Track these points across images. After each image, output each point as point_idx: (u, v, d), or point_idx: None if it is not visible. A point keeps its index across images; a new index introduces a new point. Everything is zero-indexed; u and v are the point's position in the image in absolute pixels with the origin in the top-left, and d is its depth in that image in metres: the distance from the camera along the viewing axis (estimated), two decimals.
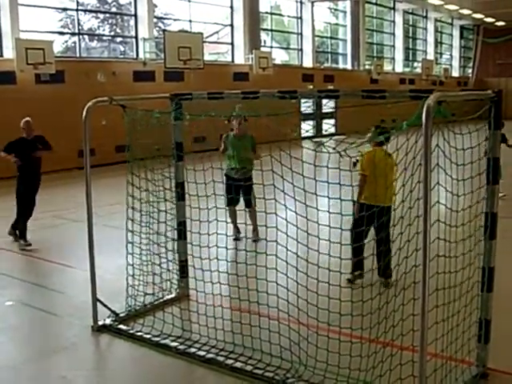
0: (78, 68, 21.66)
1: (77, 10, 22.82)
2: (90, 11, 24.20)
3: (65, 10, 22.96)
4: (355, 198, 7.79)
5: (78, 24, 23.08)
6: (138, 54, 24.65)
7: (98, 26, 24.96)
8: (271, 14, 32.94)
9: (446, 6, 42.38)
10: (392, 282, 7.37)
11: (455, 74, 53.51)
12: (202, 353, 6.27)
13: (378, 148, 8.10)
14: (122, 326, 7.00)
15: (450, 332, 5.50)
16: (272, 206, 6.44)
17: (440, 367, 5.32)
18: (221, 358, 6.13)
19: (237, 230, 10.36)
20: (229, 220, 6.77)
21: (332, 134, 29.77)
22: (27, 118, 10.76)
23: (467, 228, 5.73)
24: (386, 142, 7.86)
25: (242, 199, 10.13)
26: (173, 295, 7.80)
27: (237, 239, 10.15)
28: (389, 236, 7.03)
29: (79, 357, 6.50)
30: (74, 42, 23.23)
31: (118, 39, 25.89)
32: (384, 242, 7.13)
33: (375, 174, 7.79)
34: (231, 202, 9.99)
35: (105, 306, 7.14)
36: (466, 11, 44.11)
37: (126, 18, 25.37)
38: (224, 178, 8.98)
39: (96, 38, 25.01)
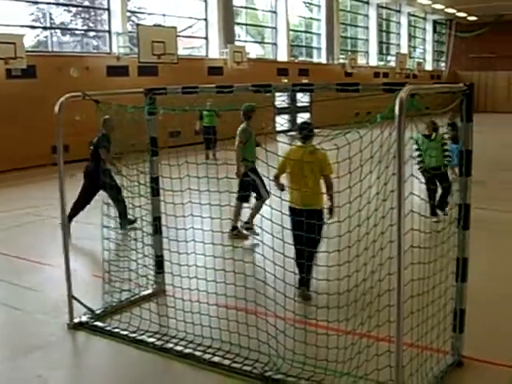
0: (51, 63, 21.43)
1: (48, 3, 22.59)
2: (62, 5, 23.93)
3: (36, 3, 22.62)
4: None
5: (50, 18, 22.85)
6: (111, 49, 24.47)
7: (71, 20, 24.70)
8: (245, 8, 32.89)
9: (419, 1, 42.71)
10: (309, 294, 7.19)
11: (428, 67, 53.89)
12: (179, 348, 6.26)
13: (295, 146, 7.52)
14: (98, 323, 6.96)
15: (425, 322, 5.56)
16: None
17: (416, 357, 5.37)
18: (198, 353, 6.12)
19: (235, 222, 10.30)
20: (206, 215, 6.75)
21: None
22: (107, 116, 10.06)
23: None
24: (307, 140, 7.35)
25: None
26: (149, 291, 7.77)
27: (250, 228, 10.14)
28: (316, 245, 6.95)
29: (55, 355, 6.44)
30: (46, 37, 22.98)
31: (91, 33, 25.65)
32: (309, 255, 6.75)
33: (295, 174, 7.28)
34: (246, 199, 10.04)
35: (81, 303, 7.09)
36: (438, 6, 44.46)
37: (98, 11, 25.15)
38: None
39: (68, 32, 24.76)
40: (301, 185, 7.13)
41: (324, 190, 7.34)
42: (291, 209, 7.22)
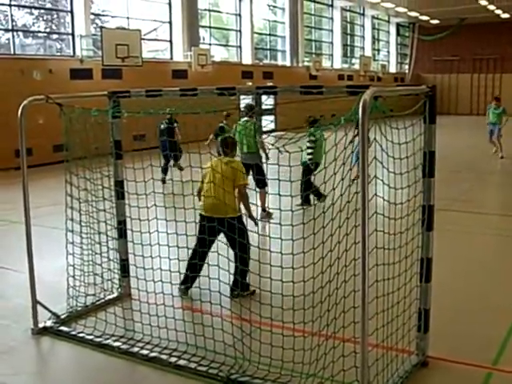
0: (13, 65, 21.16)
1: (10, 5, 22.26)
2: (24, 7, 23.65)
3: None
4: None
5: (12, 20, 22.55)
6: (74, 52, 24.23)
7: (33, 23, 24.43)
8: (210, 10, 32.83)
9: (383, 4, 43.06)
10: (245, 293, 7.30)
11: (392, 70, 54.41)
12: (145, 351, 6.23)
13: (217, 158, 7.68)
14: (63, 328, 6.89)
15: (390, 323, 5.61)
16: None
17: (381, 357, 5.42)
18: (164, 356, 6.10)
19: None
20: (170, 218, 6.73)
21: (272, 131, 29.95)
22: None
23: (405, 221, 5.84)
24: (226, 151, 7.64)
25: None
26: (115, 295, 7.72)
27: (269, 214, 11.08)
28: (244, 250, 7.07)
29: (19, 361, 6.36)
30: (8, 39, 22.67)
31: (54, 36, 25.40)
32: (238, 257, 6.89)
33: (211, 184, 7.35)
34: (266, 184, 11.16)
35: (45, 308, 7.01)
36: (401, 9, 44.92)
37: (61, 14, 24.90)
38: None
39: (31, 34, 24.48)
40: (216, 194, 7.26)
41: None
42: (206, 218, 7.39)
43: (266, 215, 11.13)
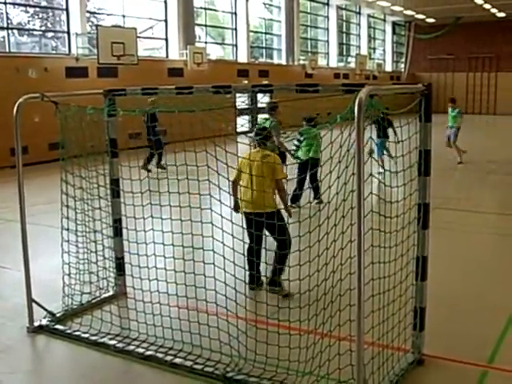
0: (8, 63, 21.10)
1: (5, 3, 22.19)
2: (19, 5, 23.58)
3: None
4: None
5: (7, 18, 22.49)
6: (70, 50, 24.17)
7: (29, 21, 24.37)
8: (206, 9, 32.80)
9: (379, 3, 43.08)
10: (283, 290, 7.38)
11: (388, 68, 54.44)
12: (140, 350, 6.23)
13: (254, 150, 7.66)
14: (58, 326, 6.88)
15: (386, 321, 5.62)
16: (207, 201, 6.42)
17: (377, 355, 5.43)
18: (160, 355, 6.10)
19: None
20: (166, 216, 6.72)
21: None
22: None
23: (401, 219, 5.85)
24: (263, 143, 7.65)
25: None
26: (110, 293, 7.71)
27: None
28: (283, 244, 7.19)
29: (15, 359, 6.35)
30: (3, 37, 22.60)
31: (50, 34, 25.34)
32: (277, 251, 7.12)
33: (250, 179, 7.30)
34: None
35: (41, 306, 7.01)
36: (397, 8, 44.94)
37: (57, 12, 24.84)
38: None
39: (26, 32, 24.42)
40: (255, 188, 7.26)
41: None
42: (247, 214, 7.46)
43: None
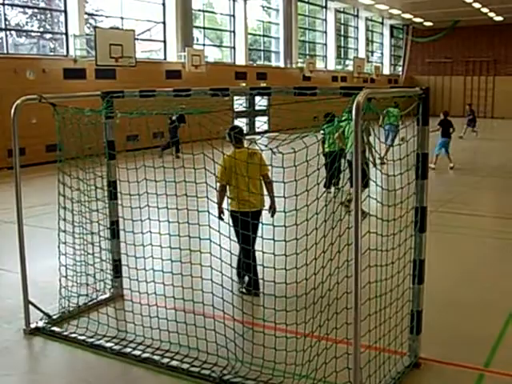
0: (6, 65, 21.09)
1: (3, 4, 22.18)
2: (18, 6, 23.56)
3: None
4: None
5: (5, 19, 22.47)
6: (68, 51, 24.16)
7: (27, 22, 24.35)
8: (204, 11, 32.81)
9: (377, 6, 43.11)
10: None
11: (386, 71, 54.49)
12: (137, 352, 6.22)
13: (237, 150, 7.58)
14: (55, 328, 6.87)
15: (382, 324, 5.62)
16: (204, 204, 6.41)
17: (374, 358, 5.43)
18: (157, 357, 6.09)
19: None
20: (163, 218, 6.72)
21: (265, 132, 29.96)
22: None
23: (398, 222, 5.85)
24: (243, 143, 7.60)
25: None
26: (107, 295, 7.71)
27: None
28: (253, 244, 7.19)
29: (11, 361, 6.33)
30: (1, 38, 22.58)
31: (48, 36, 25.32)
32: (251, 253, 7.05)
33: (237, 179, 7.31)
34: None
35: (37, 308, 7.00)
36: (395, 11, 44.97)
37: (55, 13, 24.83)
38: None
39: (24, 34, 24.40)
40: (244, 187, 7.26)
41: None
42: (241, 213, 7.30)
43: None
